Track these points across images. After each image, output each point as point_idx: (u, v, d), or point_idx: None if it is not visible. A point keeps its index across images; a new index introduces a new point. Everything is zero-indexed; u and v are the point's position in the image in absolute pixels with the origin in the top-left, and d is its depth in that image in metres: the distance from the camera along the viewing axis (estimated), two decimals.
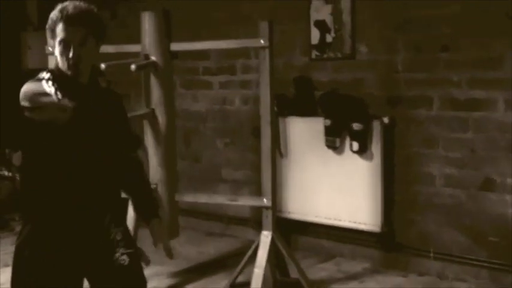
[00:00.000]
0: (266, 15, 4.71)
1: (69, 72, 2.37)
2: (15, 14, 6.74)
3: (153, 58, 4.30)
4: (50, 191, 2.41)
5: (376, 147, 4.53)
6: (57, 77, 2.35)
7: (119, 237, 2.47)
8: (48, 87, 2.25)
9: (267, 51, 4.03)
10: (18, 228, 5.77)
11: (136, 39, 4.30)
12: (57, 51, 2.39)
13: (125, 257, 2.45)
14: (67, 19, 2.35)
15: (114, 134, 2.50)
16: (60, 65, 2.38)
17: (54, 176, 2.39)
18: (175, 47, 4.36)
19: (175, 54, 4.57)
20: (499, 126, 4.13)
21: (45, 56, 5.61)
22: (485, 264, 4.22)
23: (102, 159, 2.45)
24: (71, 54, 2.35)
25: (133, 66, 4.20)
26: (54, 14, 2.40)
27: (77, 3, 2.43)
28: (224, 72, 5.49)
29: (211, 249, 5.20)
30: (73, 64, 2.36)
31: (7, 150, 6.41)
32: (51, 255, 2.40)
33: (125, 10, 5.97)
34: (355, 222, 4.67)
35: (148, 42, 4.31)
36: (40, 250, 2.41)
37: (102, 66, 3.82)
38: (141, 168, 2.69)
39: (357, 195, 4.63)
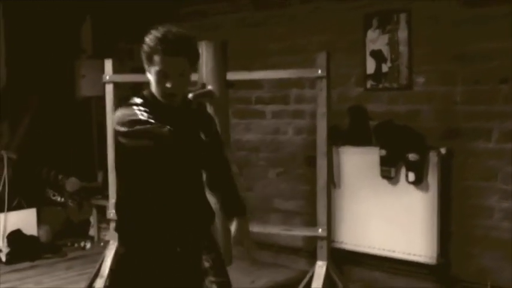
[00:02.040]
0: (321, 46, 4.87)
1: (164, 101, 2.42)
2: (68, 42, 6.93)
3: (209, 87, 4.49)
4: (148, 216, 2.43)
5: (432, 179, 4.60)
6: (149, 102, 2.40)
7: (208, 265, 2.49)
8: (140, 114, 2.31)
9: (324, 81, 4.17)
10: (70, 255, 6.09)
11: None
12: (153, 79, 2.41)
13: (214, 286, 2.49)
14: (167, 50, 2.36)
15: (206, 154, 2.52)
16: (156, 92, 2.42)
17: (151, 199, 2.42)
18: (232, 76, 4.54)
19: (232, 84, 4.75)
20: None
21: (99, 83, 5.86)
22: None
23: (196, 182, 2.50)
24: (169, 85, 2.38)
25: (191, 95, 4.37)
26: (152, 41, 2.40)
27: (176, 30, 2.42)
28: (277, 102, 5.64)
29: (264, 278, 5.30)
30: (170, 94, 2.41)
31: (60, 176, 6.65)
32: (143, 279, 2.45)
33: None
34: (409, 254, 4.73)
35: (205, 71, 4.49)
36: (133, 272, 2.47)
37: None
38: (230, 170, 2.70)
39: (412, 227, 4.69)
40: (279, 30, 5.53)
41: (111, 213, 4.87)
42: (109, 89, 4.88)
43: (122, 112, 2.41)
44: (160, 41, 2.38)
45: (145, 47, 2.43)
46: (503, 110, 4.38)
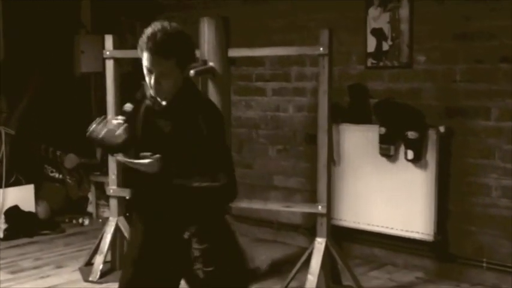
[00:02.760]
0: (322, 24, 4.90)
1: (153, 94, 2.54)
2: (68, 17, 6.92)
3: (211, 64, 4.53)
4: (141, 191, 2.69)
5: (431, 157, 4.68)
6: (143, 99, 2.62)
7: (197, 254, 2.60)
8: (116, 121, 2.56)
9: (326, 59, 4.21)
10: (68, 231, 6.15)
11: None
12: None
13: (200, 272, 2.61)
14: (153, 49, 2.39)
15: (198, 149, 2.49)
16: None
17: (143, 177, 2.53)
18: (233, 53, 4.59)
19: (233, 61, 4.80)
20: None
21: (99, 59, 5.88)
22: None
23: (185, 172, 2.49)
24: (152, 83, 2.47)
25: (192, 72, 4.40)
26: (144, 35, 2.44)
27: (167, 27, 2.44)
28: (278, 79, 5.70)
29: (263, 255, 5.39)
30: (155, 92, 2.51)
31: (58, 152, 6.70)
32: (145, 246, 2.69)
33: (180, 20, 6.20)
34: (407, 231, 4.82)
35: (207, 48, 4.53)
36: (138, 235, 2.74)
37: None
38: (211, 178, 2.52)
39: (410, 204, 4.78)
40: (280, 7, 5.57)
41: (111, 189, 4.95)
42: (109, 65, 4.91)
43: None
44: (149, 39, 2.42)
45: (139, 40, 2.47)
46: (503, 89, 4.44)
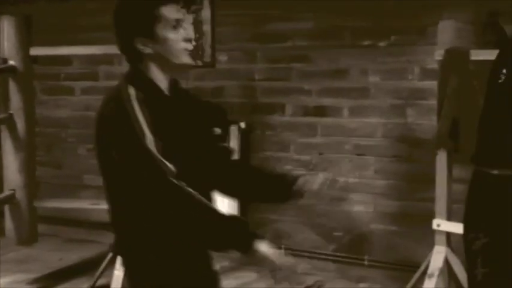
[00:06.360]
0: None
1: None
2: None
3: (11, 62, 4.58)
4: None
5: (234, 151, 5.06)
6: None
7: None
8: None
9: None
10: None
11: None
12: None
13: None
14: None
15: None
16: None
17: None
18: (36, 51, 4.67)
19: (35, 59, 4.87)
20: (344, 131, 4.80)
21: None
22: (331, 258, 4.87)
23: None
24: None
25: None
26: None
27: None
28: (87, 79, 5.84)
29: (73, 255, 5.50)
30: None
31: None
32: None
33: None
34: None
35: (7, 46, 4.58)
36: None
37: None
38: None
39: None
40: (89, 6, 5.70)
41: None
42: None
43: None
44: None
45: None
46: (297, 86, 4.94)
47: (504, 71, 2.43)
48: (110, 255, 4.53)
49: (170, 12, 2.15)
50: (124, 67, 4.84)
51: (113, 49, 4.92)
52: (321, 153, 4.88)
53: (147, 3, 2.17)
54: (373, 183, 4.71)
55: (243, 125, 5.06)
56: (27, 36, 4.61)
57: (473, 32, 4.25)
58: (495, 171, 2.48)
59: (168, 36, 2.14)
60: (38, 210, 4.71)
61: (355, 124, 4.74)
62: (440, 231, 4.13)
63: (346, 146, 4.79)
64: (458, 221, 3.98)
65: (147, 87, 2.15)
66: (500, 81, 2.44)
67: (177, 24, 2.16)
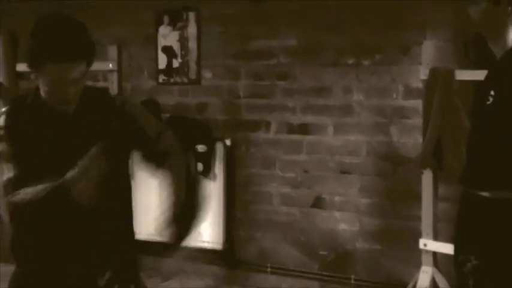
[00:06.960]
0: (116, 40, 5.15)
1: None
2: None
3: None
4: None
5: (219, 168, 5.08)
6: None
7: None
8: None
9: (115, 74, 4.48)
10: None
11: None
12: None
13: None
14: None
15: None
16: None
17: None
18: (22, 67, 4.67)
19: (20, 75, 4.89)
20: (328, 149, 4.84)
21: None
22: (317, 276, 4.89)
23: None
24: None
25: None
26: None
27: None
28: None
29: None
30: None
31: None
32: None
33: None
34: (199, 241, 5.16)
35: None
36: None
37: None
38: None
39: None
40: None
41: None
42: None
43: None
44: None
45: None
46: (281, 103, 4.98)
47: (492, 92, 2.43)
48: None
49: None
50: (108, 83, 4.89)
51: (97, 66, 5.01)
52: (305, 171, 4.90)
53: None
54: (357, 201, 4.74)
55: (228, 142, 5.09)
56: (13, 53, 4.64)
57: (456, 51, 4.32)
58: (485, 194, 2.47)
59: None
60: None
61: (340, 142, 4.78)
62: (427, 251, 4.18)
63: (331, 164, 4.82)
64: (444, 240, 4.05)
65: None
66: (488, 102, 2.43)
67: None
